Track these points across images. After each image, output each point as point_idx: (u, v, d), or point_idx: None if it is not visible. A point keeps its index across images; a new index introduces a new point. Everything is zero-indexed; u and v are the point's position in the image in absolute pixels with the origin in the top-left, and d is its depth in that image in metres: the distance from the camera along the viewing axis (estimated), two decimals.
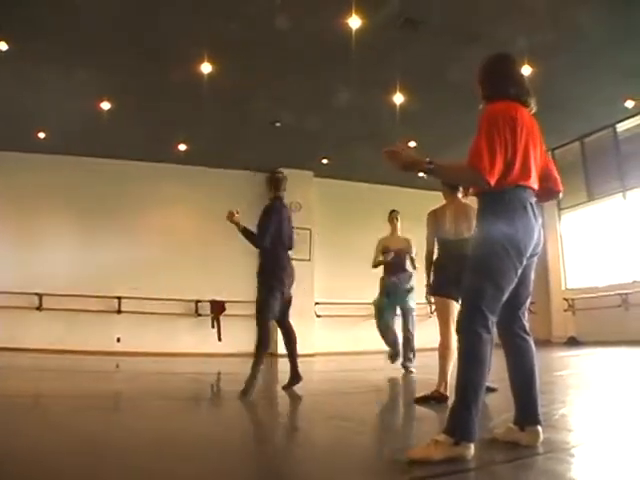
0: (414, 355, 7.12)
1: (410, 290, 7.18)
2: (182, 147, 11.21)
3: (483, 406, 4.23)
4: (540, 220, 2.65)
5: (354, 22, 6.74)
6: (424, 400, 4.29)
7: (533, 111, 2.79)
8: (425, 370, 7.19)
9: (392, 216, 7.63)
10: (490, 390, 4.34)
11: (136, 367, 8.43)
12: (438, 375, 4.44)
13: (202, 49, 7.32)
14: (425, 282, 5.00)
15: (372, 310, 12.71)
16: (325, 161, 12.25)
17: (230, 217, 5.40)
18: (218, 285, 11.93)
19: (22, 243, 10.86)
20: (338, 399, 5.08)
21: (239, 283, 12.31)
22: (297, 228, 12.15)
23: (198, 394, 5.76)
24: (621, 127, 10.99)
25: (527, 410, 2.64)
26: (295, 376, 5.45)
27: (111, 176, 11.38)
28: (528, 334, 2.71)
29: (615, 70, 8.12)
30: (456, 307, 4.60)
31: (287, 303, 5.53)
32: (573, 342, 11.88)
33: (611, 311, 10.95)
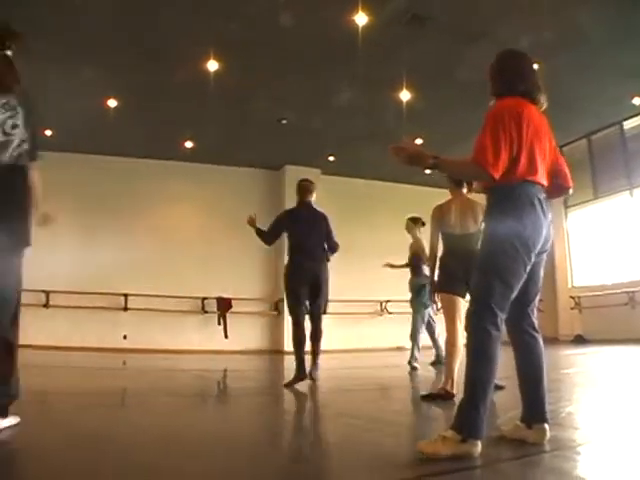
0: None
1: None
2: (188, 144, 11.24)
3: (490, 403, 4.23)
4: (550, 216, 2.63)
5: (360, 19, 6.74)
6: (431, 398, 4.29)
7: (543, 108, 2.78)
8: (429, 367, 7.21)
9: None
10: (497, 388, 4.33)
11: (142, 364, 8.45)
12: (445, 373, 4.44)
13: (207, 47, 7.34)
14: (431, 279, 4.98)
15: (377, 307, 12.76)
16: (331, 158, 12.25)
17: (250, 222, 5.98)
18: (225, 282, 11.95)
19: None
20: (343, 396, 5.08)
21: (245, 280, 12.36)
22: None
23: (204, 391, 5.77)
24: (628, 124, 10.95)
25: (534, 408, 2.63)
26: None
27: (117, 174, 11.43)
28: (537, 331, 2.70)
29: (622, 67, 8.10)
30: (462, 304, 4.59)
31: (314, 299, 5.61)
32: (580, 340, 11.85)
33: (618, 309, 10.91)
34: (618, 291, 11.07)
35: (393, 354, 11.21)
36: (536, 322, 2.72)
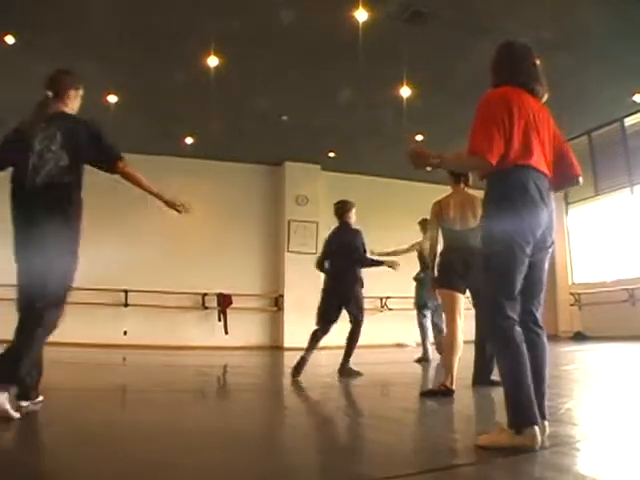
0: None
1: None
2: (189, 140, 11.23)
3: (489, 400, 4.24)
4: (552, 206, 2.63)
5: (361, 15, 6.73)
6: (431, 394, 4.29)
7: (543, 99, 2.79)
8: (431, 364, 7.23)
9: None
10: (497, 384, 4.34)
11: (142, 360, 8.46)
12: (445, 369, 4.44)
13: (208, 43, 7.32)
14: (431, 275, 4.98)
15: (377, 304, 12.75)
16: (332, 154, 12.24)
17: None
18: (225, 278, 11.95)
19: None
20: (346, 392, 5.09)
21: (246, 276, 12.37)
22: (304, 222, 12.36)
23: (204, 387, 5.77)
24: (629, 121, 10.93)
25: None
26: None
27: None
28: (541, 328, 2.72)
29: (623, 64, 8.07)
30: (463, 300, 4.60)
31: (346, 307, 6.16)
32: (579, 337, 11.87)
33: (618, 306, 10.93)
34: (618, 288, 11.08)
35: (393, 350, 11.24)
36: (540, 319, 2.73)
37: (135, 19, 7.05)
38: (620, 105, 10.03)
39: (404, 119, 9.00)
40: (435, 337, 7.64)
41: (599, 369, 6.76)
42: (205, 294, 11.98)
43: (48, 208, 3.23)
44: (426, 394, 4.33)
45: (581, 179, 2.86)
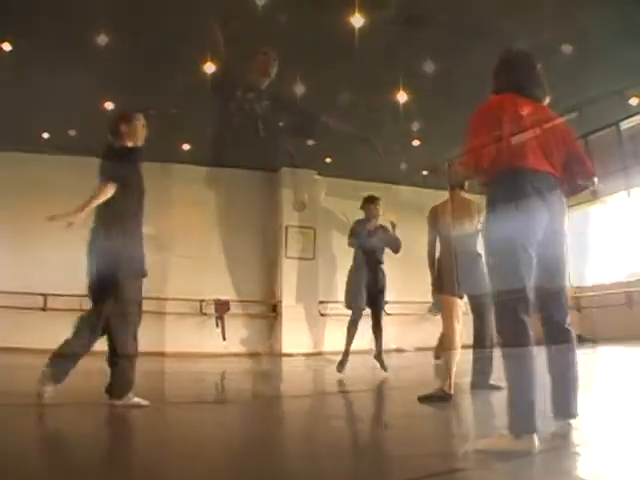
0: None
1: None
2: (186, 147, 11.22)
3: (487, 404, 4.22)
4: (557, 204, 2.63)
5: (357, 20, 6.74)
6: (428, 399, 4.28)
7: (545, 102, 2.81)
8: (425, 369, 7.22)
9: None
10: (495, 388, 4.34)
11: (138, 366, 8.40)
12: (443, 373, 4.43)
13: (204, 48, 7.32)
14: (430, 280, 4.98)
15: None
16: (328, 160, 12.23)
17: None
18: (223, 284, 11.91)
19: (26, 243, 10.87)
20: (341, 399, 5.08)
21: (244, 282, 12.33)
22: (301, 227, 12.34)
23: (202, 393, 5.75)
24: (625, 125, 10.94)
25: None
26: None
27: None
28: (565, 329, 2.77)
29: (619, 67, 8.09)
30: (460, 305, 4.60)
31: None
32: (578, 339, 11.81)
33: (616, 309, 10.93)
34: (616, 291, 11.08)
35: (391, 356, 11.20)
36: (563, 319, 2.76)
37: (129, 26, 7.06)
38: (616, 108, 10.04)
39: (401, 124, 9.00)
40: None
41: (598, 372, 6.74)
42: (202, 300, 11.93)
43: None
44: (424, 399, 4.32)
45: (596, 179, 2.85)
